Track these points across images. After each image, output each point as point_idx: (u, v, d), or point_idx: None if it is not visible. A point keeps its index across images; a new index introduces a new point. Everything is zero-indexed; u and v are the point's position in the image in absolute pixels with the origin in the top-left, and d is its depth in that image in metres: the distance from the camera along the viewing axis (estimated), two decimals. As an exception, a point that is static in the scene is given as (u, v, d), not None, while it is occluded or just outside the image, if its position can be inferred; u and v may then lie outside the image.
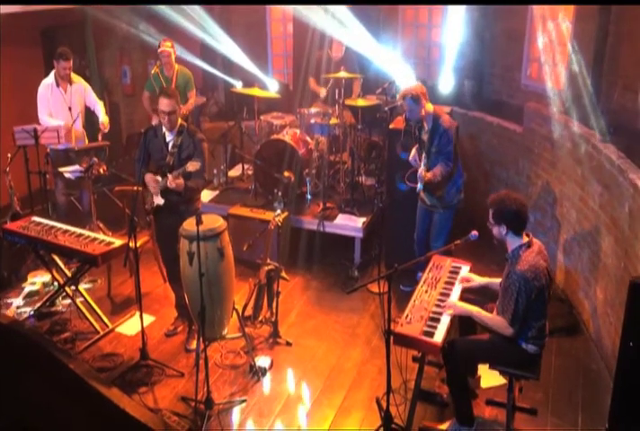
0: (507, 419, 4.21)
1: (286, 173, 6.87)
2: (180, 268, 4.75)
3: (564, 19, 7.12)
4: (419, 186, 5.52)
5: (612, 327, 4.87)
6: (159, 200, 5.09)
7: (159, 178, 5.00)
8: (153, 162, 5.13)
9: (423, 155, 5.46)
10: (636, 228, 4.55)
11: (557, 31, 7.12)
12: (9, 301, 5.93)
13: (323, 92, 7.81)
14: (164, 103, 4.85)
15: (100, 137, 6.99)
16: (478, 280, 4.54)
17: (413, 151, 5.68)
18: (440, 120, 5.45)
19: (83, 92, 6.92)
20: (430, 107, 5.49)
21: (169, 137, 5.03)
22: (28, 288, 6.07)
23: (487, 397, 4.65)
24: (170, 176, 4.86)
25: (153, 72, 7.50)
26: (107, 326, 5.60)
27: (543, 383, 4.67)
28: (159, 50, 7.29)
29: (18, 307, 5.84)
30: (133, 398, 4.68)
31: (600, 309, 5.19)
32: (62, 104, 6.72)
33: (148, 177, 5.04)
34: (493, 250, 4.23)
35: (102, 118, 6.92)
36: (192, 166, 4.80)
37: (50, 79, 6.71)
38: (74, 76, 6.82)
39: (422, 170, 5.35)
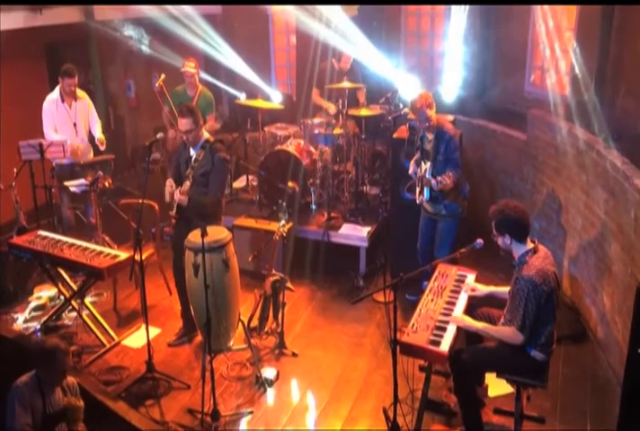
0: (515, 428, 4.19)
1: (290, 184, 6.88)
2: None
3: (566, 25, 7.13)
4: (425, 195, 5.52)
5: (620, 334, 4.84)
6: (172, 210, 5.28)
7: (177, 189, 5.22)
8: (180, 172, 5.33)
9: (428, 165, 5.47)
10: (642, 234, 4.53)
11: (560, 38, 7.13)
12: (15, 315, 5.93)
13: (332, 108, 7.58)
14: (180, 123, 5.12)
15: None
16: (483, 289, 4.53)
17: (412, 164, 5.69)
18: (444, 128, 5.49)
19: (87, 108, 6.93)
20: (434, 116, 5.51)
21: (192, 152, 5.24)
22: (34, 302, 6.07)
23: (495, 406, 4.62)
24: (176, 190, 5.11)
25: (158, 85, 7.34)
26: (113, 339, 5.60)
27: (551, 392, 4.64)
28: (182, 70, 7.26)
29: (24, 321, 5.84)
30: (139, 411, 4.68)
31: (608, 316, 5.15)
32: (67, 120, 6.73)
33: (167, 182, 5.28)
34: (499, 258, 4.23)
35: (99, 135, 6.90)
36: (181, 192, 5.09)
37: (55, 94, 6.71)
38: (79, 92, 6.82)
39: (433, 179, 5.35)
